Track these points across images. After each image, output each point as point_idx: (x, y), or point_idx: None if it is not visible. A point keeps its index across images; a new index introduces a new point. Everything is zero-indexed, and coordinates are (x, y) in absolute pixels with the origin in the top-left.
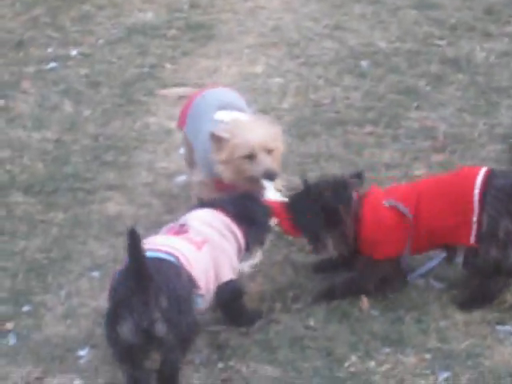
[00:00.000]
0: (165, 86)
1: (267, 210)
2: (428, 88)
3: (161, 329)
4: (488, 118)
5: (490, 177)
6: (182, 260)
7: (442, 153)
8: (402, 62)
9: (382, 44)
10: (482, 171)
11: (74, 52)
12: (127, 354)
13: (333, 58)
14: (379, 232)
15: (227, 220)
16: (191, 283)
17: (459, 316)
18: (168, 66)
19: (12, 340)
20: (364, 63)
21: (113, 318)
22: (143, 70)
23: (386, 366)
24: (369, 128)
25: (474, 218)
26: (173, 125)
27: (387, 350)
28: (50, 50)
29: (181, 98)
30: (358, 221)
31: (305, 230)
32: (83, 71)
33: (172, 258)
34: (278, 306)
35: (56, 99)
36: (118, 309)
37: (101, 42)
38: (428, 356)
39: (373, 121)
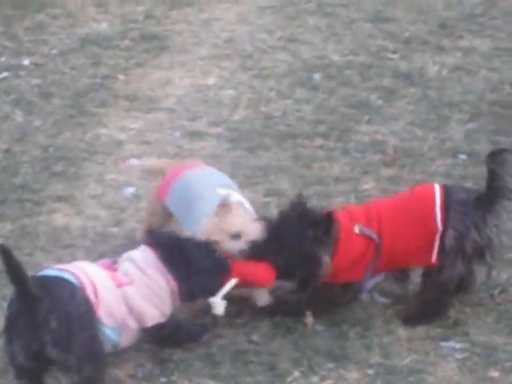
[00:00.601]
0: (117, 98)
1: (218, 262)
2: (380, 102)
3: (51, 351)
4: (438, 133)
5: (447, 192)
6: (83, 281)
7: (392, 167)
8: (354, 76)
9: (335, 57)
10: (437, 188)
11: (26, 62)
12: (23, 373)
13: (286, 71)
14: (348, 260)
15: (159, 264)
16: (88, 305)
17: (403, 332)
18: (121, 76)
19: None
20: (316, 76)
21: (6, 337)
22: (96, 80)
23: (328, 382)
24: (319, 141)
25: (437, 236)
26: (123, 136)
27: (330, 365)
28: (2, 59)
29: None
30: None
31: (298, 260)
32: (35, 81)
33: (70, 277)
34: (222, 321)
35: (7, 109)
36: (9, 329)
37: (54, 51)
38: (370, 372)
39: (323, 134)
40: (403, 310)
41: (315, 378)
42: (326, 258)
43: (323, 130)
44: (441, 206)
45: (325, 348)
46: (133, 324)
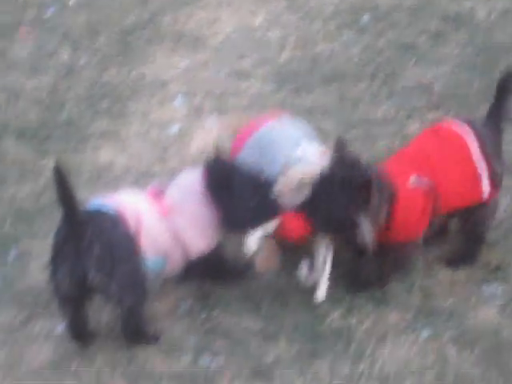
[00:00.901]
0: (163, 36)
1: (259, 189)
2: (427, 45)
3: (94, 277)
4: (485, 77)
5: (473, 127)
6: (125, 212)
7: (437, 110)
8: (402, 18)
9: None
10: (461, 123)
11: None
12: (66, 300)
13: (333, 12)
14: (411, 217)
15: (208, 195)
16: (129, 236)
17: (444, 275)
18: (168, 15)
19: None
20: (364, 18)
21: (51, 265)
22: (143, 18)
23: (367, 323)
24: (365, 83)
25: (485, 170)
26: (169, 75)
27: (370, 307)
28: None
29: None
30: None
31: (331, 217)
32: (82, 18)
33: (113, 208)
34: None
35: (53, 46)
36: (55, 256)
37: None
38: (411, 313)
39: (369, 76)
40: (445, 253)
41: (354, 320)
42: (366, 223)
43: (369, 72)
44: (475, 140)
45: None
46: (178, 253)
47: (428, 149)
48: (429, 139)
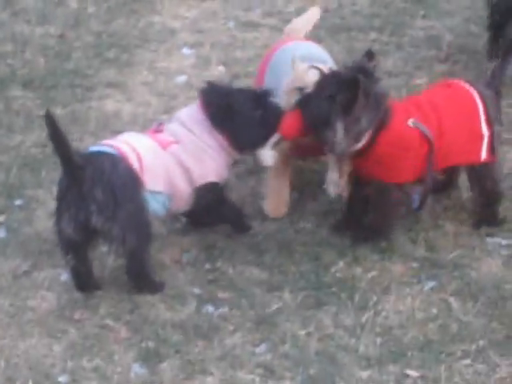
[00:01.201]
0: None
1: (258, 102)
2: None
3: (97, 221)
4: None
5: (477, 88)
6: (124, 151)
7: (446, 63)
8: None
9: None
10: (466, 83)
11: None
12: (71, 248)
13: None
14: (397, 155)
15: (205, 120)
16: (131, 174)
17: (449, 226)
18: None
19: (2, 233)
20: None
21: (56, 213)
22: None
23: (372, 273)
24: (373, 35)
25: (486, 132)
26: (176, 24)
27: (375, 257)
28: None
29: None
30: (379, 130)
31: (314, 117)
32: None
33: (111, 150)
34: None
35: None
36: (59, 204)
37: None
38: (415, 265)
39: (378, 28)
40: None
41: (359, 269)
42: (340, 127)
43: (378, 24)
44: (481, 101)
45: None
46: (183, 185)
47: (437, 100)
48: (440, 92)
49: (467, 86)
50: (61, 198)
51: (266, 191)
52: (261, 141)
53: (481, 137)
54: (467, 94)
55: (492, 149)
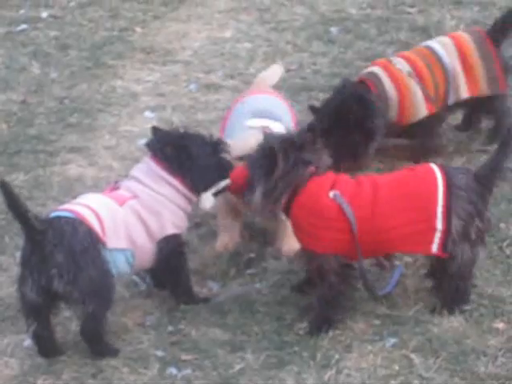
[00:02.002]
0: (133, 50)
1: (213, 147)
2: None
3: (58, 285)
4: None
5: (448, 175)
6: (83, 214)
7: None
8: (371, 29)
9: (353, 10)
10: (437, 170)
11: (44, 14)
12: (33, 312)
13: (302, 24)
14: (314, 220)
15: (159, 170)
16: (91, 236)
17: (410, 282)
18: (138, 29)
19: None
20: (333, 29)
21: (19, 278)
22: (113, 33)
23: (334, 331)
24: None
25: (439, 226)
26: (139, 88)
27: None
28: (21, 11)
29: None
30: (295, 193)
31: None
32: (53, 33)
33: (70, 214)
34: (232, 271)
35: (24, 61)
36: (22, 269)
37: (72, 4)
38: (377, 322)
39: None
40: (432, 301)
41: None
42: (259, 191)
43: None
44: (443, 194)
45: None
46: (144, 240)
47: (384, 182)
48: (396, 174)
49: (435, 171)
50: (24, 263)
51: (218, 227)
52: (211, 184)
53: (432, 229)
54: (428, 182)
55: (446, 244)
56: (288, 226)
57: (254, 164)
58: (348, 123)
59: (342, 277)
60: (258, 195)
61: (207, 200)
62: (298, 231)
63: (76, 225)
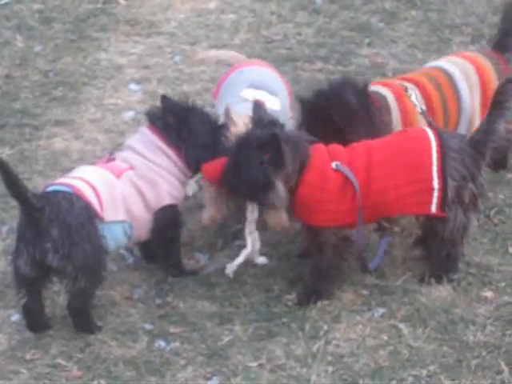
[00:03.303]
0: (117, 22)
1: (214, 128)
2: (381, 24)
3: (52, 258)
4: (439, 55)
5: (442, 139)
6: (80, 189)
7: None
8: None
9: None
10: (431, 133)
11: None
12: (25, 286)
13: None
14: (318, 194)
15: (156, 140)
16: (88, 211)
17: (398, 252)
18: (121, 1)
19: None
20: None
21: (14, 252)
22: (96, 5)
23: (323, 302)
24: (319, 64)
25: (436, 185)
26: (123, 61)
27: None
28: None
29: (219, 62)
30: (301, 173)
31: (249, 187)
32: (36, 7)
33: (67, 189)
34: (220, 243)
35: (7, 34)
36: (17, 243)
37: None
38: (365, 292)
39: (324, 57)
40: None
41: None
42: (279, 185)
43: (324, 54)
44: (437, 154)
45: None
46: (141, 211)
47: (376, 146)
48: (388, 138)
49: (428, 134)
50: (19, 237)
51: (204, 201)
52: (202, 163)
53: (430, 189)
54: (422, 143)
55: (444, 205)
56: (212, 196)
57: (251, 167)
58: (323, 125)
59: (338, 250)
60: (281, 189)
61: (189, 186)
62: (302, 209)
63: (73, 200)
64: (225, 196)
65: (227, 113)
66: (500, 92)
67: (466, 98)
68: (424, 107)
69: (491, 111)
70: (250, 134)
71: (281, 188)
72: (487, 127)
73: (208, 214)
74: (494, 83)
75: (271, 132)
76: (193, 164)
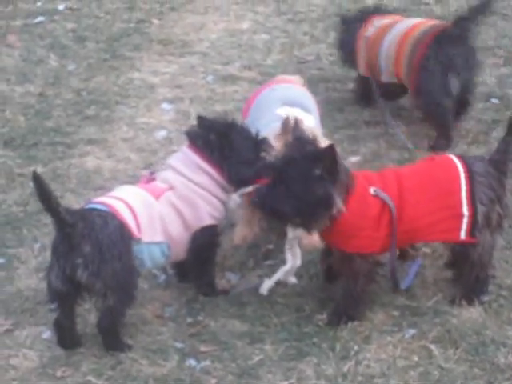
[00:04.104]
0: (150, 42)
1: (255, 144)
2: None
3: (82, 274)
4: None
5: (468, 164)
6: (117, 209)
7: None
8: None
9: (370, 1)
10: (456, 159)
11: (61, 6)
12: (57, 300)
13: (320, 15)
14: (358, 220)
15: (197, 159)
16: (122, 231)
17: (429, 273)
18: (155, 21)
19: None
20: None
21: (48, 266)
22: (130, 25)
23: (353, 323)
24: (351, 85)
25: (466, 212)
26: (156, 80)
27: None
28: (38, 4)
29: None
30: (347, 195)
31: (305, 204)
32: (70, 26)
33: (103, 207)
34: (251, 262)
35: (41, 53)
36: (51, 257)
37: None
38: (396, 313)
39: (355, 78)
40: (453, 291)
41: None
42: (337, 197)
43: (355, 74)
44: (466, 180)
45: None
46: (180, 232)
47: (405, 173)
48: (417, 166)
49: (454, 160)
50: (53, 251)
51: (237, 219)
52: (244, 180)
53: (459, 216)
54: (449, 170)
55: (473, 230)
56: (246, 217)
57: (308, 182)
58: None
59: (371, 276)
60: (338, 201)
61: (232, 200)
62: (339, 235)
63: (107, 218)
64: (259, 216)
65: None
66: None
67: None
68: None
69: (508, 131)
70: (298, 150)
71: (339, 202)
72: (505, 147)
73: (240, 234)
74: None
75: (330, 145)
76: (235, 181)
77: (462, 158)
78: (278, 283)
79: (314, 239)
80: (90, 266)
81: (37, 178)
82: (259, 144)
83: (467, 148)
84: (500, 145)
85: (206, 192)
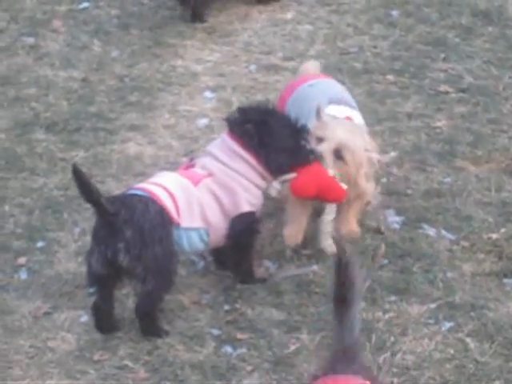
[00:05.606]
0: (194, 30)
1: (295, 132)
2: (457, 40)
3: (123, 258)
4: None
5: None
6: (157, 194)
7: (465, 104)
8: (432, 13)
9: None
10: None
11: None
12: (96, 284)
13: (364, 7)
14: None
15: (235, 146)
16: (163, 216)
17: (466, 267)
18: None
19: (23, 275)
20: (394, 13)
21: (89, 250)
22: (174, 12)
23: (390, 314)
24: (394, 77)
25: None
26: (199, 68)
27: (393, 298)
28: None
29: None
30: None
31: None
32: (114, 12)
33: (144, 193)
34: (289, 252)
35: (85, 39)
36: (92, 242)
37: None
38: (433, 306)
39: (398, 70)
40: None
41: (377, 311)
42: None
43: (398, 67)
44: None
45: (389, 281)
46: (218, 218)
47: None
48: None
49: None
50: (94, 235)
51: (286, 218)
52: (283, 167)
53: None
54: None
55: None
56: (294, 215)
57: None
58: None
59: None
60: None
61: (272, 188)
62: None
63: (148, 204)
64: (307, 215)
65: (319, 113)
66: None
67: None
68: None
69: None
70: None
71: None
72: None
73: (291, 232)
74: None
75: None
76: (274, 168)
77: None
78: (315, 273)
79: (354, 226)
80: (132, 250)
81: (76, 171)
82: (299, 132)
83: None
84: None
85: (244, 179)
